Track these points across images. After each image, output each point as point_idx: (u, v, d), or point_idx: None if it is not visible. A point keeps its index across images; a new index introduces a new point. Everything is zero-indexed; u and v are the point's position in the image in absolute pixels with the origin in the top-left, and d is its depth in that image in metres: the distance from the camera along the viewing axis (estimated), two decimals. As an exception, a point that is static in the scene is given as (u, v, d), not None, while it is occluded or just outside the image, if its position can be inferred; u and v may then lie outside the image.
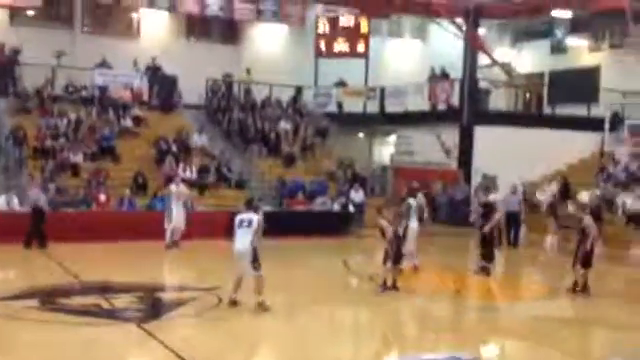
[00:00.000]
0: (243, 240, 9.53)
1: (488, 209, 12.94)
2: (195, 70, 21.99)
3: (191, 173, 18.94)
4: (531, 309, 11.04)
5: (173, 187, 15.69)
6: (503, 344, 9.09)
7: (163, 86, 22.63)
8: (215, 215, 17.06)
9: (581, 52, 25.50)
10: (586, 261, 11.16)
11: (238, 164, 20.66)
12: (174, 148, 19.76)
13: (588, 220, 11.23)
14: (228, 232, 16.44)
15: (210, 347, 8.01)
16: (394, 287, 11.15)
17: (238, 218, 9.86)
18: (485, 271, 12.60)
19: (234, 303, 9.57)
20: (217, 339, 8.48)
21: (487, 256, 12.66)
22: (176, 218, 15.25)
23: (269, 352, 8.41)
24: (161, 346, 7.75)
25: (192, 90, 22.52)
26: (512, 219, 16.68)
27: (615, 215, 17.77)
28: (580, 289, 11.25)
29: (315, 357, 7.77)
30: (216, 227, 16.49)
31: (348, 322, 9.92)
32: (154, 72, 22.70)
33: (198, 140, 20.74)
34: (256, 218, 9.71)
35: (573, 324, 10.08)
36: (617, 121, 20.53)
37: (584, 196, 16.35)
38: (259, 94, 24.03)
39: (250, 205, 10.25)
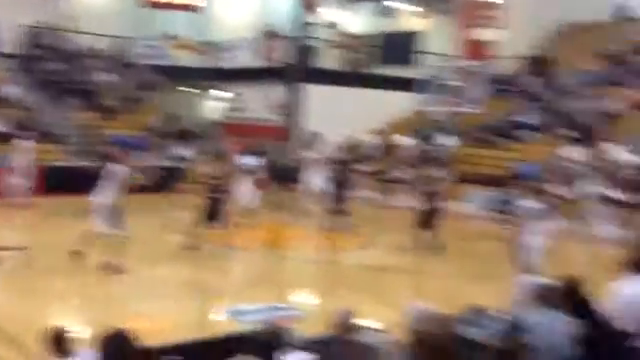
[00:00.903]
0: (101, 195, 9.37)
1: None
2: (11, 16, 20.18)
3: (3, 126, 17.54)
4: (350, 259, 11.55)
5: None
6: (320, 293, 9.45)
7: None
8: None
9: (406, 15, 26.60)
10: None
11: (55, 117, 19.41)
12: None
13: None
14: (44, 188, 15.72)
15: (17, 307, 7.58)
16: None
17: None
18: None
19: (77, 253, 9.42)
20: (25, 299, 8.03)
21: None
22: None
23: (82, 312, 8.07)
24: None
25: (8, 38, 20.69)
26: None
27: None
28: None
29: (129, 314, 7.59)
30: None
31: (171, 277, 9.78)
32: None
33: (11, 91, 19.20)
34: (120, 171, 9.52)
35: (388, 273, 10.66)
36: (435, 83, 21.71)
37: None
38: (79, 43, 22.61)
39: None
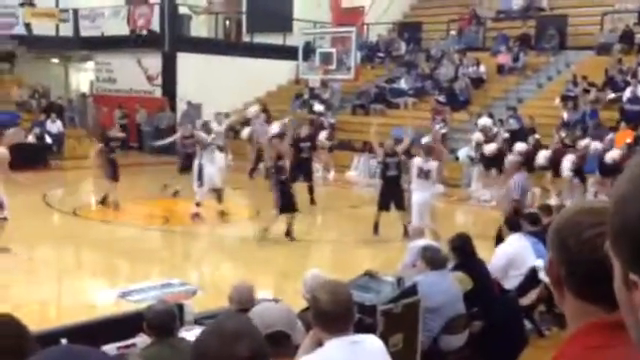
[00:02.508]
0: None
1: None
2: None
3: None
4: (237, 231, 11.56)
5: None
6: (211, 267, 9.42)
7: None
8: None
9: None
10: None
11: None
12: None
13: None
14: None
15: None
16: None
17: None
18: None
19: None
20: None
21: None
22: None
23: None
24: None
25: None
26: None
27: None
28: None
29: (14, 298, 7.23)
30: None
31: (53, 260, 9.39)
32: None
33: None
34: None
35: (278, 242, 10.75)
36: (309, 50, 21.87)
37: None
38: None
39: None
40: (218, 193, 11.69)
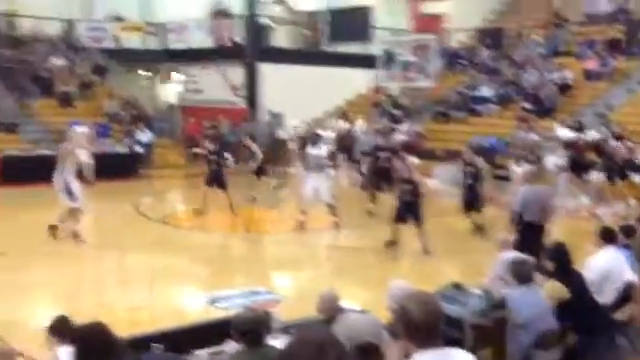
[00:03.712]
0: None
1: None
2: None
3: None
4: (322, 240, 11.62)
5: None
6: (297, 275, 9.51)
7: None
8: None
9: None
10: None
11: (7, 105, 18.85)
12: None
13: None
14: (1, 178, 15.35)
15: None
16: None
17: None
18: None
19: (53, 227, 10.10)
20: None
21: None
22: None
23: (54, 302, 7.94)
24: None
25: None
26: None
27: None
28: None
29: (107, 303, 7.52)
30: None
31: (144, 266, 9.71)
32: None
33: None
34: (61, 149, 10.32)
35: (356, 252, 10.75)
36: (389, 58, 21.84)
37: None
38: (24, 28, 21.90)
39: None
40: (329, 207, 11.62)
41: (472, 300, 5.49)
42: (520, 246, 6.86)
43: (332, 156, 13.80)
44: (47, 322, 4.49)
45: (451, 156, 16.36)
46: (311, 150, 11.72)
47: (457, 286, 5.78)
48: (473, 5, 22.02)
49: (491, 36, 22.64)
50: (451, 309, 5.32)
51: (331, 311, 4.99)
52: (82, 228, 10.45)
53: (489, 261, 6.75)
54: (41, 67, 20.39)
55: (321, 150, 11.68)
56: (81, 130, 15.30)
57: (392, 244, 10.13)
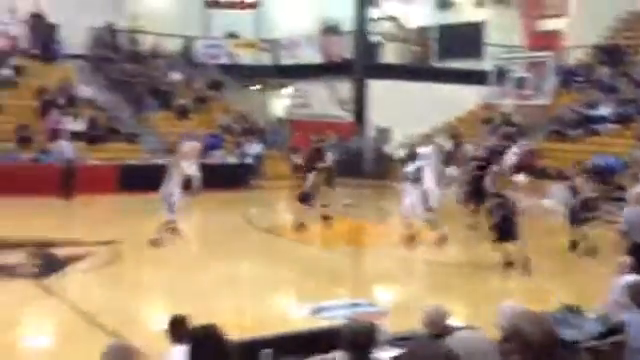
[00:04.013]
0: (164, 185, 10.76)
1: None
2: (78, 18, 20.82)
3: (79, 126, 18.13)
4: (424, 254, 11.50)
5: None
6: (401, 289, 9.46)
7: (43, 34, 21.34)
8: (106, 169, 16.57)
9: (467, 7, 26.24)
10: None
11: (128, 117, 19.96)
12: (59, 99, 18.79)
13: None
14: (119, 185, 16.23)
15: (110, 300, 7.86)
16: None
17: None
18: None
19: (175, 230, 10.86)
20: (116, 292, 8.32)
21: None
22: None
23: (171, 304, 8.28)
24: (59, 301, 7.52)
25: (76, 39, 21.35)
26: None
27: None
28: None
29: (218, 308, 7.76)
30: (108, 181, 16.08)
31: (251, 274, 9.96)
32: (34, 19, 21.32)
33: (85, 91, 19.80)
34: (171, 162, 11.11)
35: (462, 269, 10.56)
36: (502, 75, 21.40)
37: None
38: (147, 44, 23.15)
39: None
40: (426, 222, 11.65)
41: (587, 323, 5.27)
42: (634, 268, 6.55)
43: (440, 171, 13.65)
44: (164, 322, 4.68)
45: (565, 175, 15.78)
46: (408, 166, 11.89)
47: (570, 308, 5.56)
48: (589, 22, 21.18)
49: (608, 53, 21.70)
50: (564, 332, 5.13)
51: (437, 327, 4.92)
52: (181, 236, 10.91)
53: (599, 283, 6.46)
54: (160, 81, 21.42)
55: (416, 165, 11.78)
56: (191, 144, 16.07)
57: (509, 265, 9.91)
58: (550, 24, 22.07)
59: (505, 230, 9.78)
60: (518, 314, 3.32)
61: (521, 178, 15.92)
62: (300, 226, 12.18)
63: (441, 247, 11.48)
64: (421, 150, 13.20)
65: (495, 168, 11.29)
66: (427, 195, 11.61)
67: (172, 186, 10.75)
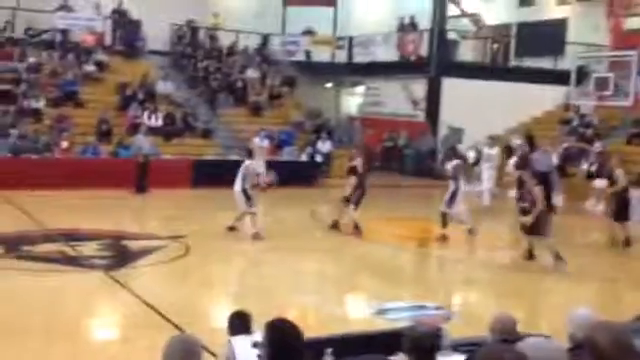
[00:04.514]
0: (236, 183, 11.05)
1: None
2: (160, 14, 21.42)
3: (157, 121, 18.64)
4: (492, 260, 11.26)
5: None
6: (464, 293, 9.29)
7: (127, 30, 22.05)
8: (181, 164, 16.95)
9: (549, 4, 25.48)
10: None
11: (204, 113, 20.36)
12: (139, 95, 19.37)
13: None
14: (193, 180, 16.58)
15: (177, 294, 8.02)
16: (356, 228, 11.64)
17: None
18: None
19: (231, 229, 11.17)
20: (184, 286, 8.49)
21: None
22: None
23: (237, 299, 8.39)
24: (128, 293, 7.73)
25: (157, 35, 21.97)
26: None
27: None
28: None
29: (284, 304, 7.82)
30: (181, 176, 16.44)
31: (316, 271, 9.99)
32: (118, 16, 22.07)
33: (163, 87, 20.34)
34: (244, 164, 11.30)
35: (531, 275, 10.27)
36: (583, 74, 20.71)
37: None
38: (225, 41, 23.59)
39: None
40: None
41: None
42: None
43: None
44: (227, 316, 4.72)
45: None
46: (447, 165, 12.16)
47: (646, 319, 5.29)
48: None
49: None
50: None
51: (508, 333, 4.79)
52: (262, 228, 11.12)
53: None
54: (236, 78, 21.76)
55: (454, 163, 12.01)
56: (259, 143, 16.41)
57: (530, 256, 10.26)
58: (637, 22, 21.19)
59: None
60: (592, 323, 3.19)
61: (601, 183, 15.38)
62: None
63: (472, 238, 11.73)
64: (486, 151, 13.10)
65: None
66: (481, 194, 11.63)
67: (246, 184, 11.06)
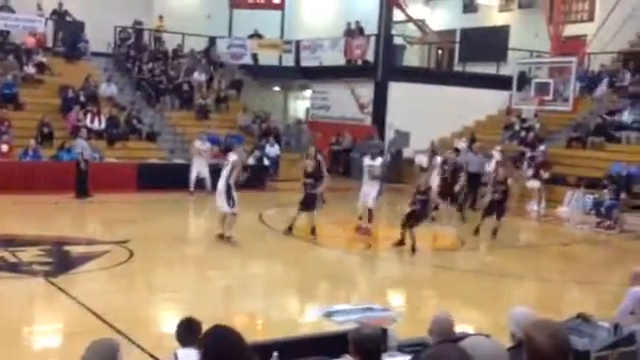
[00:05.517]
0: (220, 180, 10.94)
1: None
2: (104, 16, 21.05)
3: (100, 124, 18.28)
4: (438, 260, 11.43)
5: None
6: (410, 294, 9.41)
7: (69, 32, 21.58)
8: (125, 167, 16.66)
9: (491, 11, 26.09)
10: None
11: (149, 115, 20.08)
12: (81, 97, 18.97)
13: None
14: (137, 184, 16.32)
15: (121, 300, 7.88)
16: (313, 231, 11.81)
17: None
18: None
19: (221, 237, 10.93)
20: (128, 292, 8.35)
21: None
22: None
23: (182, 305, 8.27)
24: (71, 300, 7.55)
25: (101, 37, 21.57)
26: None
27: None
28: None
29: (231, 309, 7.77)
30: (125, 180, 16.16)
31: (264, 275, 9.95)
32: (60, 17, 21.57)
33: (107, 90, 19.98)
34: (231, 159, 11.06)
35: (478, 275, 10.50)
36: (524, 80, 21.21)
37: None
38: (171, 43, 23.32)
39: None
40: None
41: (600, 333, 5.18)
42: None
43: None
44: (174, 324, 4.65)
45: (584, 183, 15.68)
46: (367, 161, 12.73)
47: (583, 317, 5.47)
48: (618, 28, 20.89)
49: (636, 59, 21.39)
50: (577, 341, 5.05)
51: (445, 334, 4.85)
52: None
53: (618, 293, 6.37)
54: (183, 81, 21.54)
55: (376, 162, 12.70)
56: (200, 146, 16.37)
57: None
58: (575, 29, 21.85)
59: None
60: (531, 323, 3.26)
61: (535, 184, 15.86)
62: (313, 230, 12.14)
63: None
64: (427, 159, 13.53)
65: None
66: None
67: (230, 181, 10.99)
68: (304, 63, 24.13)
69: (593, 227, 14.27)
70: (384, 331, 5.06)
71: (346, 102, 22.51)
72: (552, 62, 20.45)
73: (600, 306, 7.69)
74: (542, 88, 19.45)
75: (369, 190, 12.51)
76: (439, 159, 14.60)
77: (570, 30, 21.68)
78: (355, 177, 20.31)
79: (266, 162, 19.14)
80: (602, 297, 8.70)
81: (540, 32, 22.23)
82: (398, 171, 20.01)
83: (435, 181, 13.25)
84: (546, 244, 13.00)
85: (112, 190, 15.18)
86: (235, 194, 10.94)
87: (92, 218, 13.79)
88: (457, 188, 13.83)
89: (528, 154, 18.03)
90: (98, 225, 13.06)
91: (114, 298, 7.92)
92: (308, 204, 11.78)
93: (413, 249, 11.01)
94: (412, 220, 11.11)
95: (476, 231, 12.47)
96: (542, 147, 18.28)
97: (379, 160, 12.86)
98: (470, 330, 5.86)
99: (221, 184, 10.99)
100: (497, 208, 12.40)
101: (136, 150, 18.17)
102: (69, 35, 21.48)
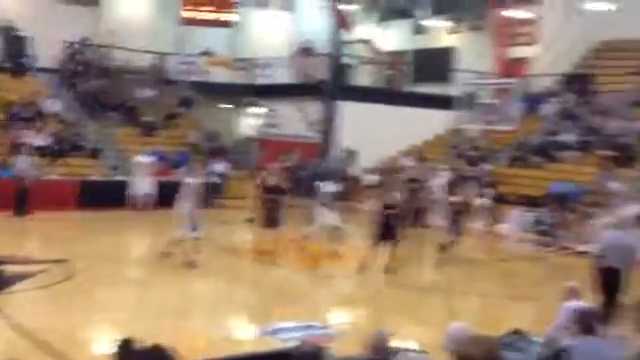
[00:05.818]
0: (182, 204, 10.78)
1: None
2: (52, 32, 20.66)
3: (43, 140, 17.87)
4: (377, 278, 11.47)
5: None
6: (351, 311, 9.42)
7: (15, 47, 21.10)
8: (66, 184, 16.32)
9: (440, 33, 26.54)
10: None
11: (93, 132, 19.72)
12: (23, 113, 18.53)
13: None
14: (79, 202, 15.98)
15: (58, 320, 7.66)
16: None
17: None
18: None
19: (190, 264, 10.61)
20: (66, 312, 8.12)
21: None
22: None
23: (123, 324, 8.09)
24: (4, 320, 7.31)
25: (48, 53, 21.15)
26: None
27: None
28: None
29: (173, 328, 7.63)
30: (67, 197, 15.84)
31: (206, 294, 9.84)
32: (5, 32, 21.09)
33: (51, 106, 19.57)
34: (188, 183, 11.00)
35: (423, 292, 10.56)
36: (471, 100, 21.60)
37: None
38: (119, 60, 23.01)
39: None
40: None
41: (533, 347, 5.27)
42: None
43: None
44: (112, 344, 4.53)
45: (525, 201, 15.99)
46: (329, 187, 13.06)
47: (518, 332, 5.57)
48: (562, 50, 21.49)
49: (579, 81, 22.00)
50: (509, 356, 5.13)
51: (379, 351, 4.87)
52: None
53: (554, 308, 6.49)
54: (129, 97, 21.26)
55: (332, 187, 13.11)
56: (141, 160, 16.24)
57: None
58: (520, 52, 22.41)
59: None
60: (466, 338, 3.28)
61: (484, 202, 16.10)
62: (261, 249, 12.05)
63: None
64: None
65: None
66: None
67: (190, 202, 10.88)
68: (255, 81, 24.11)
69: (533, 244, 14.55)
70: (320, 349, 5.05)
71: (295, 120, 22.54)
72: (495, 83, 20.91)
73: (537, 321, 7.81)
74: (487, 108, 19.85)
75: (329, 212, 12.74)
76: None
77: (514, 52, 22.22)
78: (300, 195, 20.33)
79: (214, 179, 18.97)
80: (539, 312, 8.85)
81: (486, 54, 22.71)
82: (346, 189, 20.06)
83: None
84: (487, 261, 13.19)
85: (53, 208, 14.83)
86: (198, 216, 10.96)
87: (30, 236, 13.43)
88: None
89: (473, 173, 18.34)
90: (37, 243, 12.73)
91: (51, 318, 7.71)
92: (273, 221, 11.65)
93: (390, 269, 10.99)
94: (389, 235, 11.05)
95: (443, 248, 12.58)
96: (487, 166, 18.62)
97: (339, 186, 13.03)
98: (408, 345, 5.88)
99: (185, 208, 10.82)
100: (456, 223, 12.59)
101: (79, 167, 17.81)
102: (14, 50, 21.00)
